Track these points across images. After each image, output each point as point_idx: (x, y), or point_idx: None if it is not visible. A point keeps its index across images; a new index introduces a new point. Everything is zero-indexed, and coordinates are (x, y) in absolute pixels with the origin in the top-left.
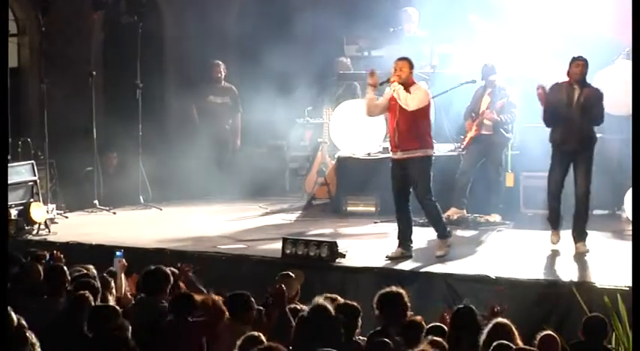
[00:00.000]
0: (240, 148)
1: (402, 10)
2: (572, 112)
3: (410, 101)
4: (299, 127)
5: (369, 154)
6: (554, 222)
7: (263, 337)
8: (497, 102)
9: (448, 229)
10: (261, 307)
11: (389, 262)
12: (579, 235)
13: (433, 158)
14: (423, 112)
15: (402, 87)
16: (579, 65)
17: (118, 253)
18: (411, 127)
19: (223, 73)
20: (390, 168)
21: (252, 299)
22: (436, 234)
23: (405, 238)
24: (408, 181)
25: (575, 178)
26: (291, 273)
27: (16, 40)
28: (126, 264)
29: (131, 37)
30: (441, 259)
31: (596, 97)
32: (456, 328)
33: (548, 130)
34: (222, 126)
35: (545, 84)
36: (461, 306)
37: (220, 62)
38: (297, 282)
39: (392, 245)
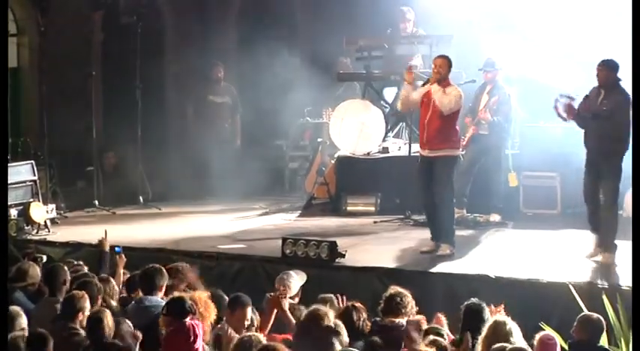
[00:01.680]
0: (239, 147)
1: (398, 9)
2: (595, 119)
3: (445, 106)
4: (299, 126)
5: (368, 154)
6: (591, 227)
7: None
8: (492, 99)
9: (454, 238)
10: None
11: (389, 261)
12: (605, 246)
13: (460, 159)
14: (454, 114)
15: (441, 90)
16: (599, 70)
17: (117, 249)
18: (441, 126)
19: (223, 73)
20: (418, 164)
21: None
22: (440, 236)
23: (438, 232)
24: (432, 179)
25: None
26: (292, 273)
27: (16, 40)
28: (125, 259)
29: (130, 38)
30: (426, 254)
31: (619, 103)
32: (467, 324)
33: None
34: (221, 125)
35: (571, 94)
36: (469, 302)
37: (219, 62)
38: (297, 282)
39: (392, 244)
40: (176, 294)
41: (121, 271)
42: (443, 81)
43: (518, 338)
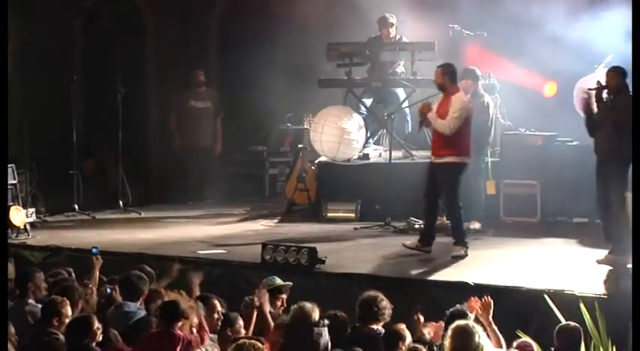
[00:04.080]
0: (221, 152)
1: (380, 16)
2: (601, 122)
3: (443, 130)
4: (279, 132)
5: (349, 160)
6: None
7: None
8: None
9: (466, 239)
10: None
11: (369, 268)
12: (617, 250)
13: (466, 165)
14: (463, 123)
15: (436, 118)
16: (607, 75)
17: (94, 250)
18: (442, 135)
19: (204, 78)
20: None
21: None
22: (453, 239)
23: (425, 234)
24: (436, 185)
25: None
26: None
27: None
28: (102, 261)
29: (112, 42)
30: (456, 260)
31: (625, 105)
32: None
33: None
34: (203, 130)
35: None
36: (454, 309)
37: (200, 68)
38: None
39: (372, 251)
40: (171, 297)
41: (97, 273)
42: (446, 90)
43: (484, 340)
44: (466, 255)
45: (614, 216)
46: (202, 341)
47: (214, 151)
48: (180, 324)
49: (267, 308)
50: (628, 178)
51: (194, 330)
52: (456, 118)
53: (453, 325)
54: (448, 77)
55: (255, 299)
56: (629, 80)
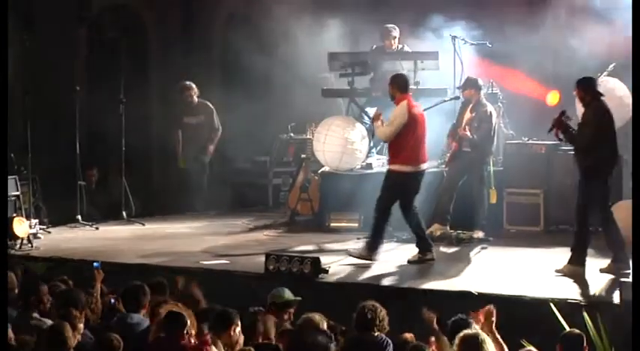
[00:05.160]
0: (210, 162)
1: (382, 27)
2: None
3: (382, 136)
4: (282, 142)
5: (352, 170)
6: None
7: None
8: (470, 117)
9: (378, 248)
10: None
11: (372, 278)
12: (616, 258)
13: (406, 173)
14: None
15: (379, 126)
16: (576, 92)
17: (95, 264)
18: (390, 143)
19: (196, 92)
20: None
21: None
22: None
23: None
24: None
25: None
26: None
27: None
28: (103, 274)
29: (115, 52)
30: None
31: (586, 119)
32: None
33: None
34: (200, 146)
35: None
36: (456, 317)
37: (190, 84)
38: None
39: (376, 261)
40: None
41: (99, 286)
42: (395, 99)
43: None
44: (368, 261)
45: (607, 227)
46: None
47: (206, 152)
48: (184, 333)
49: (273, 333)
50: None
51: (192, 340)
52: (388, 125)
53: (461, 334)
54: (396, 87)
55: (260, 325)
56: (628, 80)
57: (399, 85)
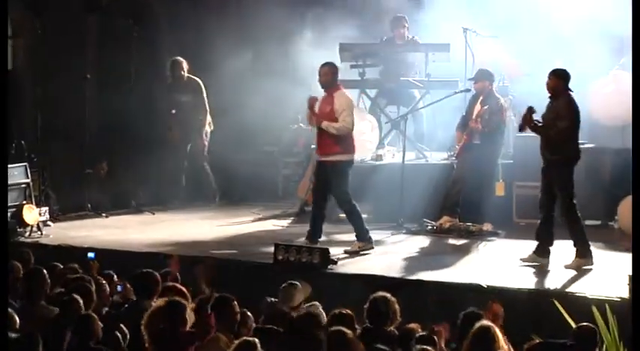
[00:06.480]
0: (207, 148)
1: (393, 17)
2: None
3: (345, 129)
4: (292, 133)
5: (361, 161)
6: (536, 236)
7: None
8: (483, 109)
9: (369, 236)
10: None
11: (381, 269)
12: (579, 252)
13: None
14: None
15: (328, 125)
16: (549, 77)
17: (90, 255)
18: (328, 133)
19: (186, 67)
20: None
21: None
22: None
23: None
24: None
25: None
26: (297, 283)
27: (11, 43)
28: (98, 265)
29: (126, 40)
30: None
31: (560, 109)
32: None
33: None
34: (190, 125)
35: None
36: (468, 310)
37: (180, 59)
38: (301, 294)
39: (385, 252)
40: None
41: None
42: (328, 89)
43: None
44: (363, 252)
45: (568, 219)
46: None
47: (198, 146)
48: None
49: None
50: (570, 181)
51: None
52: (349, 114)
53: (475, 327)
54: (333, 75)
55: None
56: (628, 80)
57: (335, 74)
